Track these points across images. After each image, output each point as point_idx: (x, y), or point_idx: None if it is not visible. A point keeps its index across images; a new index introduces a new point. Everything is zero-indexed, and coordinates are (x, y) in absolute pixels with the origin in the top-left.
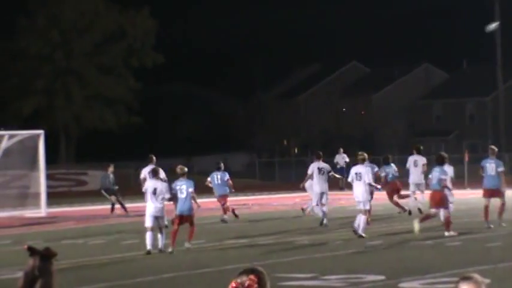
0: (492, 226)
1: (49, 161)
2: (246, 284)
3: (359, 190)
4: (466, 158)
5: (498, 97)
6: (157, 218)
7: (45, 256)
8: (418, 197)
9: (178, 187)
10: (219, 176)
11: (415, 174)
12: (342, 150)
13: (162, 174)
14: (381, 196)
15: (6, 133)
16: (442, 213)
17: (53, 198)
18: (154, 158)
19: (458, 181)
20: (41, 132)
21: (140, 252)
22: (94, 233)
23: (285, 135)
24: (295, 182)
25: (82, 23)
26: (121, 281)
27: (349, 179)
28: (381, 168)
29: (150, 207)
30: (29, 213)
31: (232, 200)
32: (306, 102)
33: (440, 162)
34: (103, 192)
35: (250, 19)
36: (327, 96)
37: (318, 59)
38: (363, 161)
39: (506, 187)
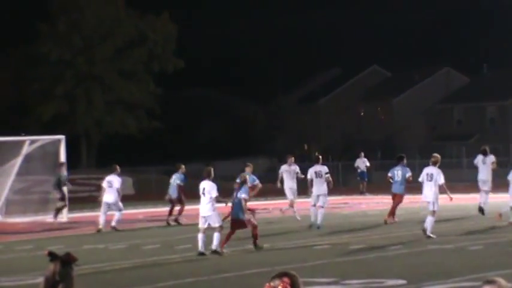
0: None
1: (70, 166)
2: (279, 287)
3: (428, 191)
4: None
5: None
6: (206, 218)
7: (66, 261)
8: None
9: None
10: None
11: (482, 173)
12: (362, 154)
13: (117, 183)
14: (404, 200)
15: (27, 138)
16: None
17: (74, 203)
18: (183, 166)
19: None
20: (62, 137)
21: (162, 257)
22: (115, 238)
23: (306, 139)
24: None
25: (103, 28)
26: (141, 286)
27: (420, 179)
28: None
29: (201, 207)
30: (50, 218)
31: (253, 204)
32: (326, 106)
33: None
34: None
35: (272, 23)
36: (347, 100)
37: (339, 63)
38: (435, 163)
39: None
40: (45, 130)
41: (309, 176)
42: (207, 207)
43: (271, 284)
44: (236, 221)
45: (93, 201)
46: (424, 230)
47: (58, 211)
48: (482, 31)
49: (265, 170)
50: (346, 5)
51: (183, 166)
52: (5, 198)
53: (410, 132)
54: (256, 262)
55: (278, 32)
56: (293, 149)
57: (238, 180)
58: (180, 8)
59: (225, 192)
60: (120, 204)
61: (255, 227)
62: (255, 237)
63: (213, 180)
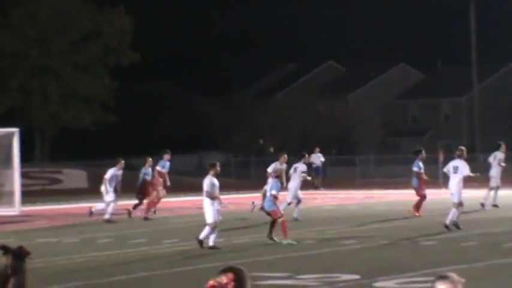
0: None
1: (24, 160)
2: (224, 282)
3: (453, 183)
4: (441, 158)
5: (473, 97)
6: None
7: (18, 255)
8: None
9: None
10: None
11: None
12: (318, 149)
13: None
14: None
15: None
16: None
17: (28, 196)
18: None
19: (433, 181)
20: (16, 130)
21: (116, 251)
22: (69, 231)
23: (262, 134)
24: None
25: (58, 21)
26: (95, 280)
27: (445, 170)
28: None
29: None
30: (3, 211)
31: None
32: (282, 101)
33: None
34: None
35: (228, 18)
36: (303, 96)
37: (295, 58)
38: (460, 156)
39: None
40: None
41: (291, 171)
42: (204, 202)
43: (217, 279)
44: (268, 213)
45: (46, 194)
46: (455, 224)
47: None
48: (437, 27)
49: (220, 164)
50: (303, 0)
51: (149, 159)
52: None
53: (365, 128)
54: (210, 257)
55: (235, 26)
56: (249, 144)
57: (270, 171)
58: (136, 1)
59: (181, 187)
60: (110, 195)
61: (284, 221)
62: (284, 231)
63: (213, 176)
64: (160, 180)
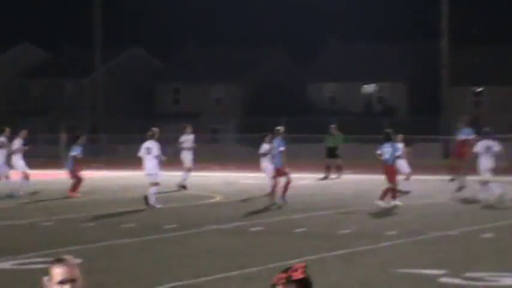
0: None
1: None
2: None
3: (150, 165)
4: (64, 138)
5: (96, 78)
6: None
7: None
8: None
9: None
10: None
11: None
12: None
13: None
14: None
15: None
16: None
17: None
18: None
19: (56, 161)
20: None
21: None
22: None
23: None
24: None
25: None
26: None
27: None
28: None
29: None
30: None
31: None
32: None
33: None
34: None
35: None
36: None
37: None
38: (152, 136)
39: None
40: None
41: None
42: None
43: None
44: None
45: None
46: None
47: None
48: (60, 6)
49: None
50: None
51: None
52: None
53: None
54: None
55: None
56: None
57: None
58: None
59: None
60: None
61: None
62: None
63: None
64: None
